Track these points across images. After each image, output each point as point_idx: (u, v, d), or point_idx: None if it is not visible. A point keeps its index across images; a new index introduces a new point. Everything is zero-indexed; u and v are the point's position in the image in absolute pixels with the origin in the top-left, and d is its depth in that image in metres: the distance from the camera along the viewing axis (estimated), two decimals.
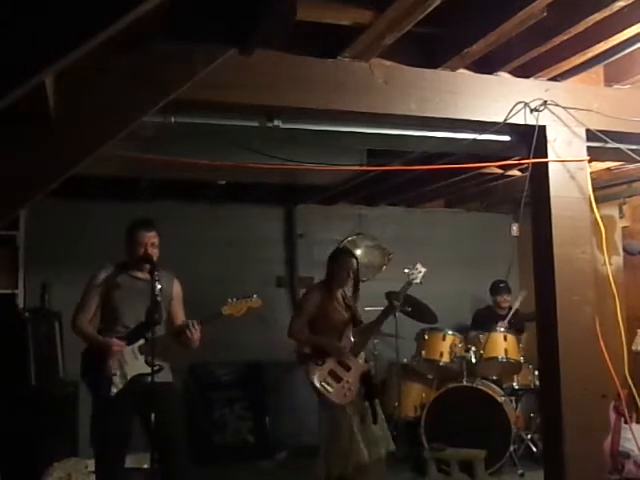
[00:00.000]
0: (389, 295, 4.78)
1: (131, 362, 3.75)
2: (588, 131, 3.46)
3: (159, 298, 3.67)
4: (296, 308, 4.66)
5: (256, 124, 3.27)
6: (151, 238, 3.83)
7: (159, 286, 3.68)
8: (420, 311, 5.78)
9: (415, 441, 5.59)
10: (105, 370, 3.71)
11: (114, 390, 3.71)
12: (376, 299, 4.86)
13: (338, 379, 4.42)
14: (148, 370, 3.61)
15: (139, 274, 3.85)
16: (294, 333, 4.56)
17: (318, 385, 4.39)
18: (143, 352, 3.75)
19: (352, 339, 4.51)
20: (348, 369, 4.46)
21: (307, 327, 4.56)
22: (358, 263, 4.74)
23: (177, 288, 4.04)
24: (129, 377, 3.74)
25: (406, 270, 4.56)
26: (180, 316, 4.01)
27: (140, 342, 3.77)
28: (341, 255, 4.77)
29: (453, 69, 3.33)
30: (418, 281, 4.54)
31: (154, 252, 3.83)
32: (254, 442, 6.18)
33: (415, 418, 5.79)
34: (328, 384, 4.40)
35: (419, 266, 4.54)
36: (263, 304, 3.99)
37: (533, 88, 3.43)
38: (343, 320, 4.55)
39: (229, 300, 3.86)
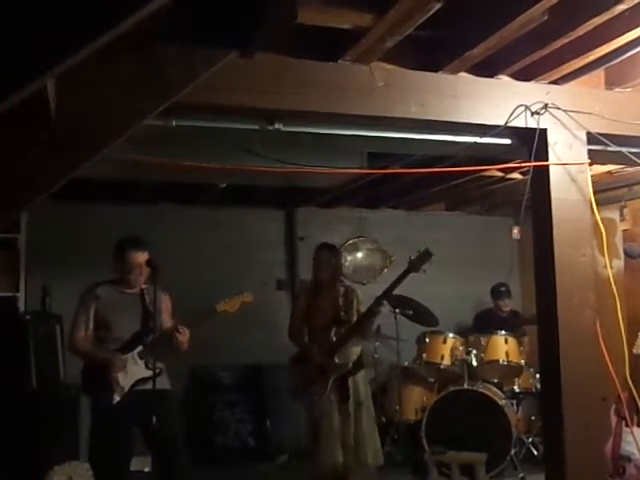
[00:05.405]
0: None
1: (131, 368, 3.80)
2: (589, 134, 3.46)
3: (150, 308, 3.75)
4: (291, 311, 4.78)
5: (257, 127, 3.28)
6: (143, 258, 3.84)
7: (148, 299, 3.79)
8: (421, 314, 5.78)
9: (416, 444, 5.57)
10: (106, 381, 3.75)
11: (117, 398, 3.75)
12: None
13: (308, 381, 4.39)
14: (149, 374, 3.68)
15: (128, 290, 3.94)
16: (291, 336, 4.64)
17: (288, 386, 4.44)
18: (142, 357, 3.81)
19: (334, 339, 4.43)
20: (322, 372, 4.37)
21: (302, 329, 4.62)
22: (335, 254, 4.68)
23: (166, 301, 4.08)
24: (131, 383, 3.78)
25: (411, 257, 4.25)
26: (168, 322, 4.04)
27: (138, 348, 3.82)
28: (315, 251, 4.68)
29: (454, 72, 3.33)
30: (422, 269, 4.18)
31: (146, 271, 3.84)
32: (255, 445, 6.17)
33: (416, 421, 5.77)
34: (298, 385, 4.41)
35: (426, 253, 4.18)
36: (255, 299, 4.08)
37: (534, 91, 3.43)
38: (325, 321, 4.49)
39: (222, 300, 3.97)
